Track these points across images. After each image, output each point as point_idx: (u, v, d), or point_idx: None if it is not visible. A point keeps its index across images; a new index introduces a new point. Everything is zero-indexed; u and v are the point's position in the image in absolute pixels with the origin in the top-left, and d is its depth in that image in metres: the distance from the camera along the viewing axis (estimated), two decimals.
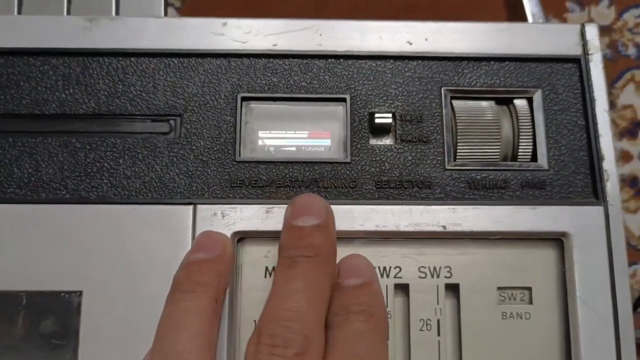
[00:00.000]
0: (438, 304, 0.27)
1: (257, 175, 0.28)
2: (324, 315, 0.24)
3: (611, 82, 0.42)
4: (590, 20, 0.43)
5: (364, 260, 0.26)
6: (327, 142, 0.29)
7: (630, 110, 0.42)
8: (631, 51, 0.43)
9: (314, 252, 0.24)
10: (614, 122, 0.41)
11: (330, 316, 0.24)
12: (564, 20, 0.43)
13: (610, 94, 0.42)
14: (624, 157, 0.42)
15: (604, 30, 0.43)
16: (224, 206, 0.27)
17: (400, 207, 0.27)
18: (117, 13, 0.30)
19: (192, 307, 0.23)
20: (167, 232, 0.26)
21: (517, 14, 0.34)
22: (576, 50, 0.30)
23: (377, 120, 0.28)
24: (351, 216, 0.27)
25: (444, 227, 0.27)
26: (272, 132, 0.29)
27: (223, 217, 0.27)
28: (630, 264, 0.41)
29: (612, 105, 0.42)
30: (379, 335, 0.24)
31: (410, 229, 0.27)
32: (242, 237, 0.27)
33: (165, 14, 0.30)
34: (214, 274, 0.24)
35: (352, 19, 0.30)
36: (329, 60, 0.29)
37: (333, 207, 0.27)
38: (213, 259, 0.25)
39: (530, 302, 0.27)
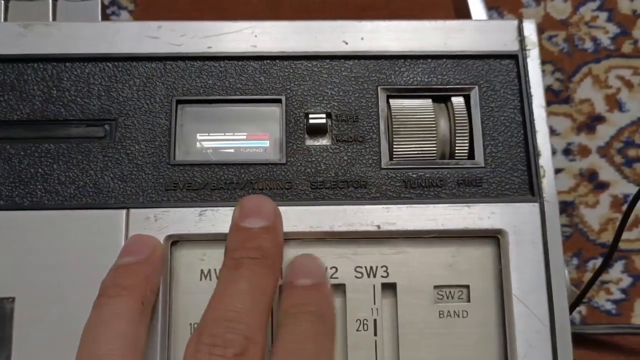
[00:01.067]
0: (375, 303, 0.27)
1: (192, 178, 0.27)
2: (267, 317, 0.24)
3: (568, 77, 0.42)
4: (547, 15, 0.43)
5: (315, 261, 0.26)
6: (266, 144, 0.29)
7: (588, 104, 0.42)
8: (588, 45, 0.42)
9: (260, 254, 0.24)
10: (571, 117, 0.41)
11: (279, 315, 0.24)
12: (519, 16, 0.43)
13: (567, 88, 0.42)
14: (582, 151, 0.42)
15: (561, 25, 0.43)
16: (157, 210, 0.27)
17: (334, 207, 0.27)
18: (54, 19, 0.30)
19: (116, 310, 0.23)
20: (100, 237, 0.26)
21: (464, 12, 0.34)
22: (513, 47, 0.29)
23: (311, 121, 0.28)
24: (285, 217, 0.27)
25: (378, 226, 0.27)
26: (210, 134, 0.29)
27: (156, 220, 0.27)
28: (590, 259, 0.41)
29: (569, 99, 0.42)
30: (327, 336, 0.24)
31: (344, 229, 0.27)
32: (176, 240, 0.27)
33: (104, 18, 0.30)
34: (141, 276, 0.24)
35: (306, 19, 0.30)
36: (265, 61, 0.29)
37: None
38: (140, 261, 0.25)
39: (468, 300, 0.27)
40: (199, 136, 0.29)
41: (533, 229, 0.27)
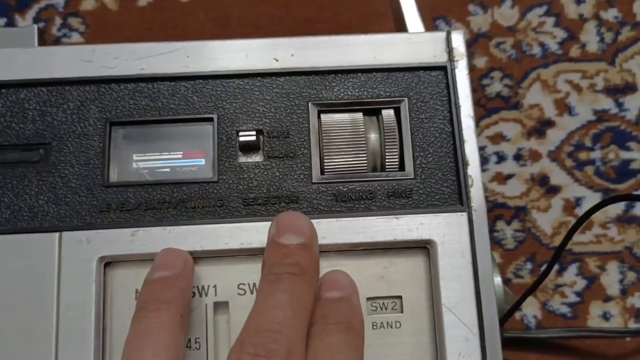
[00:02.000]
0: None
1: (126, 199, 0.28)
2: (306, 331, 0.24)
3: (517, 83, 0.43)
4: (494, 22, 0.43)
5: (345, 276, 0.27)
6: (202, 162, 0.29)
7: (537, 109, 0.42)
8: (536, 50, 0.43)
9: (299, 269, 0.25)
10: (520, 122, 0.42)
11: (309, 327, 0.25)
12: (467, 25, 0.43)
13: (516, 94, 0.42)
14: (532, 156, 0.42)
15: (508, 32, 0.43)
16: (89, 232, 0.27)
17: (265, 223, 0.27)
18: None
19: (158, 322, 0.24)
20: (33, 260, 0.27)
21: (401, 26, 0.34)
22: (442, 58, 0.30)
23: (241, 138, 0.28)
24: (216, 235, 0.27)
25: None
26: (147, 154, 0.29)
27: (88, 242, 0.27)
28: (543, 263, 0.41)
29: (518, 105, 0.42)
30: (356, 348, 0.24)
31: None
32: (109, 261, 0.27)
33: (40, 44, 0.31)
34: (177, 290, 0.25)
35: (255, 35, 0.30)
36: (197, 81, 0.29)
37: (198, 227, 0.27)
38: (175, 275, 0.25)
39: (401, 311, 0.27)
40: (135, 157, 0.29)
41: (461, 239, 0.27)
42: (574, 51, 0.43)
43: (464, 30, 0.30)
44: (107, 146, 0.28)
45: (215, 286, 0.27)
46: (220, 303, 0.27)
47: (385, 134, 0.29)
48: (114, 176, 0.28)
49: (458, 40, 0.30)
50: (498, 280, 0.29)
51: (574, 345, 0.41)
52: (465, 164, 0.28)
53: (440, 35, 0.30)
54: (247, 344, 0.23)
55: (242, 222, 0.27)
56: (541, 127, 0.42)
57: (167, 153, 0.29)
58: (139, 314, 0.25)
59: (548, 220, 0.41)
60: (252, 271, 0.27)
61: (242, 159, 0.29)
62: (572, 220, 0.41)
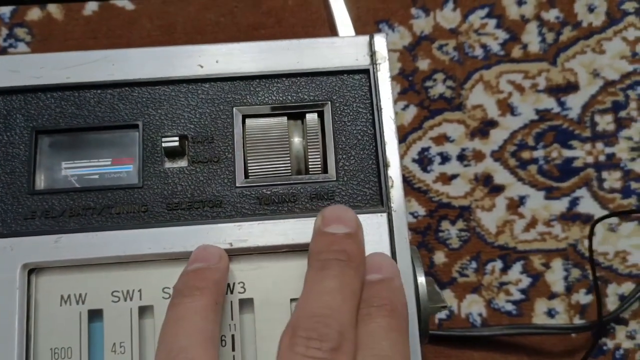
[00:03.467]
0: (232, 319, 0.28)
1: (51, 206, 0.28)
2: (355, 316, 0.24)
3: (460, 84, 0.43)
4: (437, 25, 0.44)
5: (386, 258, 0.27)
6: (130, 168, 0.30)
7: (480, 109, 0.42)
8: (478, 52, 0.43)
9: (346, 256, 0.25)
10: (464, 123, 0.42)
11: None
12: (409, 28, 0.44)
13: (459, 95, 0.43)
14: (476, 156, 0.42)
15: (450, 34, 0.44)
16: (13, 239, 0.27)
17: (187, 227, 0.28)
18: None
19: (192, 307, 0.25)
20: None
21: (336, 30, 0.35)
22: (365, 62, 0.30)
23: (164, 144, 0.29)
24: (139, 240, 0.27)
25: (230, 244, 0.28)
26: (75, 161, 0.30)
27: (12, 250, 0.27)
28: (488, 261, 0.41)
29: (461, 106, 0.43)
30: (401, 330, 0.25)
31: None
32: (33, 268, 0.27)
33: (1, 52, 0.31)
34: (211, 280, 0.26)
35: (200, 42, 0.31)
36: (123, 88, 0.30)
37: (122, 232, 0.27)
38: (210, 267, 0.26)
39: None
40: (64, 164, 0.29)
41: (381, 239, 0.28)
42: (516, 52, 0.44)
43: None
44: (32, 154, 0.29)
45: (140, 290, 0.28)
46: (146, 307, 0.27)
47: (309, 137, 0.29)
48: (40, 184, 0.29)
49: (380, 43, 0.30)
50: (422, 280, 0.29)
51: (519, 342, 0.41)
52: (386, 165, 0.29)
53: (363, 39, 0.31)
54: (300, 329, 0.23)
55: (166, 226, 0.28)
56: (484, 128, 0.42)
57: (96, 160, 0.30)
58: (174, 300, 0.25)
59: (492, 219, 0.42)
60: (176, 275, 0.28)
61: (168, 164, 0.29)
62: (516, 219, 0.42)
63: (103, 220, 0.28)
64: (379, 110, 0.29)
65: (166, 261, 0.28)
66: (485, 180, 0.42)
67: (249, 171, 0.29)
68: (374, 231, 0.28)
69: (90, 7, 0.43)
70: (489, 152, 0.42)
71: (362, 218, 0.28)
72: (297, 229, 0.28)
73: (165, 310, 0.27)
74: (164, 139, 0.29)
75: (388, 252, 0.28)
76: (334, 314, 0.23)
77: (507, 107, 0.43)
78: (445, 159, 0.42)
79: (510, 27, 0.44)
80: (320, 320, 0.23)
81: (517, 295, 0.41)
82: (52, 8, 0.42)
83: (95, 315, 0.27)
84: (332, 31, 0.37)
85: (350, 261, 0.25)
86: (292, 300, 0.28)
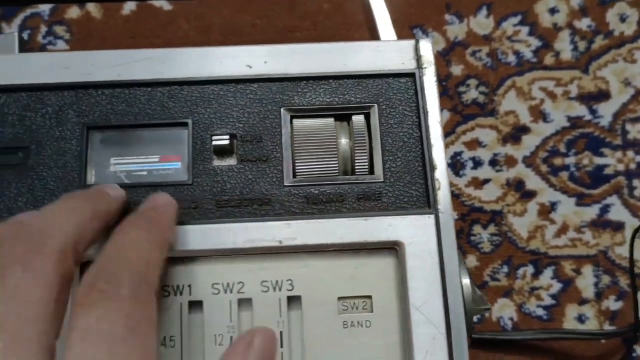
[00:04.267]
0: (280, 316, 0.28)
1: None
2: None
3: (493, 90, 0.44)
4: (470, 31, 0.44)
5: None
6: (178, 165, 0.30)
7: (513, 115, 0.43)
8: (511, 58, 0.44)
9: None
10: (496, 129, 0.43)
11: None
12: (443, 33, 0.44)
13: (492, 101, 0.43)
14: (508, 161, 0.43)
15: (484, 40, 0.44)
16: None
17: (237, 224, 0.28)
18: None
19: None
20: None
21: (376, 34, 0.35)
22: (411, 65, 0.31)
23: (214, 142, 0.29)
24: (190, 236, 0.28)
25: (280, 241, 0.28)
26: (124, 158, 0.30)
27: None
28: (520, 266, 0.42)
29: (494, 112, 0.43)
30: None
31: (248, 245, 0.28)
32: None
33: (21, 50, 0.32)
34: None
35: (236, 43, 0.31)
36: (172, 87, 0.30)
37: None
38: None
39: (371, 310, 0.28)
40: (113, 160, 0.30)
41: (428, 240, 0.28)
42: (548, 59, 0.44)
43: (432, 39, 0.31)
44: (84, 149, 0.29)
45: (189, 285, 0.28)
46: (195, 302, 0.28)
47: (356, 138, 0.30)
48: (91, 178, 0.29)
49: (426, 48, 0.31)
50: (467, 281, 0.29)
51: (550, 346, 0.41)
52: (433, 168, 0.29)
53: (409, 43, 0.31)
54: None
55: (216, 223, 0.28)
56: (516, 133, 0.43)
57: (144, 157, 0.30)
58: None
59: (524, 224, 0.42)
60: (225, 271, 0.28)
61: (216, 162, 0.29)
62: (548, 224, 0.42)
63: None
64: (425, 113, 0.30)
65: (215, 257, 0.28)
66: (517, 185, 0.42)
67: (297, 171, 0.29)
68: (422, 232, 0.28)
69: (129, 7, 0.43)
70: (521, 158, 0.42)
71: (410, 219, 0.28)
72: (345, 229, 0.28)
73: (214, 304, 0.28)
74: (214, 137, 0.29)
75: (435, 254, 0.28)
76: None
77: (539, 114, 0.43)
78: (477, 163, 0.43)
79: (543, 34, 0.45)
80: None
81: (548, 300, 0.41)
82: (91, 7, 0.43)
83: None
84: (371, 35, 0.37)
85: None
86: (339, 298, 0.28)
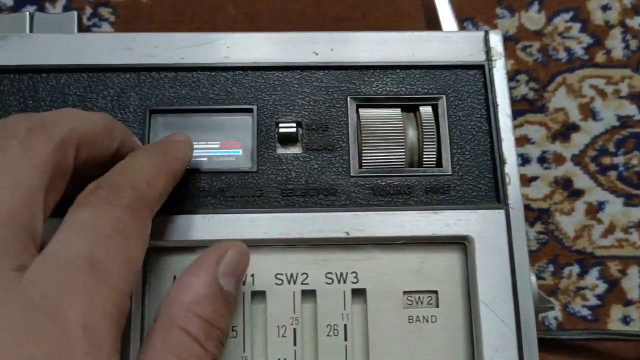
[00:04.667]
0: (345, 309, 0.27)
1: None
2: None
3: (543, 86, 0.43)
4: (521, 26, 0.43)
5: None
6: (239, 152, 0.29)
7: (562, 113, 0.42)
8: (562, 55, 0.43)
9: None
10: (546, 126, 0.42)
11: None
12: (494, 27, 0.44)
13: (542, 97, 0.43)
14: (557, 159, 0.42)
15: (535, 35, 0.44)
16: None
17: (304, 214, 0.27)
18: (30, 31, 0.30)
19: None
20: None
21: (435, 24, 0.35)
22: (480, 57, 0.30)
23: (281, 130, 0.28)
24: (255, 225, 0.27)
25: (347, 233, 0.27)
26: None
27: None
28: (565, 265, 0.41)
29: (544, 108, 0.43)
30: None
31: (314, 235, 0.27)
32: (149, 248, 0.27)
33: (80, 30, 0.31)
34: None
35: (284, 30, 0.31)
36: (236, 72, 0.30)
37: (238, 216, 0.27)
38: None
39: (437, 306, 0.28)
40: None
41: (498, 235, 0.27)
42: (600, 57, 0.43)
43: (501, 31, 0.30)
44: (146, 133, 0.29)
45: (252, 275, 0.27)
46: (258, 292, 0.27)
47: (424, 130, 0.29)
48: None
49: (496, 40, 0.30)
50: (533, 278, 0.29)
51: (594, 347, 0.41)
52: (503, 162, 0.28)
53: (478, 35, 0.30)
54: None
55: (281, 212, 0.28)
56: (566, 131, 0.42)
57: (205, 143, 0.29)
58: None
59: (571, 223, 0.41)
60: (289, 262, 0.28)
61: (281, 150, 0.29)
62: (595, 224, 0.42)
63: (217, 203, 0.28)
64: (495, 106, 0.29)
65: (279, 247, 0.28)
66: (565, 183, 0.41)
67: (363, 161, 0.29)
68: (492, 228, 0.28)
69: None
70: (570, 156, 0.42)
71: (479, 214, 0.28)
72: (413, 222, 0.28)
73: (277, 295, 0.27)
74: (280, 125, 0.29)
75: (505, 250, 0.27)
76: None
77: (589, 112, 0.43)
78: (525, 160, 0.42)
79: (595, 32, 0.44)
80: None
81: (593, 301, 0.41)
82: None
83: None
84: (428, 25, 0.37)
85: None
86: (404, 292, 0.28)
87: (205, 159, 0.29)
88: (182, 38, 0.30)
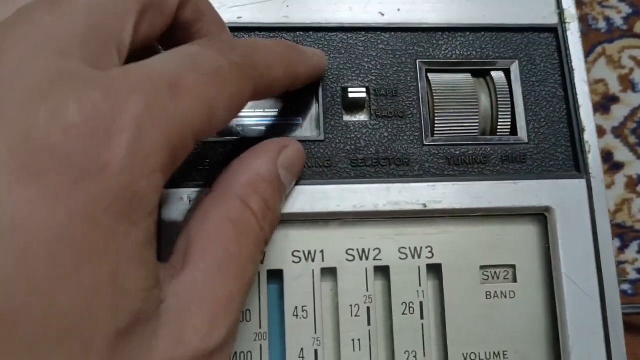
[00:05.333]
0: (420, 285, 0.26)
1: (220, 155, 0.26)
2: None
3: (584, 56, 0.42)
4: None
5: None
6: (299, 120, 0.27)
7: (602, 84, 0.41)
8: (601, 24, 0.42)
9: None
10: None
11: None
12: None
13: None
14: (597, 131, 0.41)
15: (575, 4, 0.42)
16: (189, 190, 0.25)
17: (377, 185, 0.26)
18: None
19: None
20: None
21: None
22: (552, 20, 0.29)
23: (350, 95, 0.26)
24: (326, 196, 0.25)
25: (424, 204, 0.26)
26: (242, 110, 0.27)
27: (189, 201, 0.25)
28: None
29: None
30: None
31: (390, 207, 0.26)
32: None
33: None
34: None
35: None
36: (297, 33, 0.27)
37: (307, 187, 0.25)
38: None
39: (514, 280, 0.26)
40: None
41: (580, 206, 0.26)
42: (638, 27, 0.43)
43: None
44: None
45: (322, 251, 0.26)
46: (328, 269, 0.25)
47: (498, 96, 0.27)
48: None
49: (568, 1, 0.29)
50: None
51: (633, 321, 0.40)
52: (582, 130, 0.27)
53: None
54: None
55: (353, 183, 0.26)
56: (606, 103, 0.41)
57: (262, 110, 0.27)
58: None
59: (611, 196, 0.41)
60: (360, 236, 0.26)
61: (347, 117, 0.27)
62: (634, 198, 0.41)
63: None
64: (570, 71, 0.28)
65: (350, 220, 0.26)
66: (605, 156, 0.41)
67: (435, 129, 0.27)
68: (573, 197, 0.26)
69: None
70: (610, 128, 0.41)
71: (560, 183, 0.26)
72: (492, 192, 0.26)
73: (348, 272, 0.25)
74: (350, 90, 0.27)
75: (588, 220, 0.26)
76: None
77: (628, 83, 0.42)
78: None
79: (634, 1, 0.43)
80: None
81: (633, 275, 0.40)
82: None
83: (274, 275, 0.25)
84: None
85: None
86: (481, 267, 0.26)
87: (263, 127, 0.27)
88: None
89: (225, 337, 0.18)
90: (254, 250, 0.20)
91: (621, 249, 0.41)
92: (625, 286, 0.40)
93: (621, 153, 0.41)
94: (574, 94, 0.28)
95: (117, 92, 0.16)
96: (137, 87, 0.16)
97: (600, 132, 0.41)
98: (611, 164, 0.41)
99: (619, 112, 0.42)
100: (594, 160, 0.27)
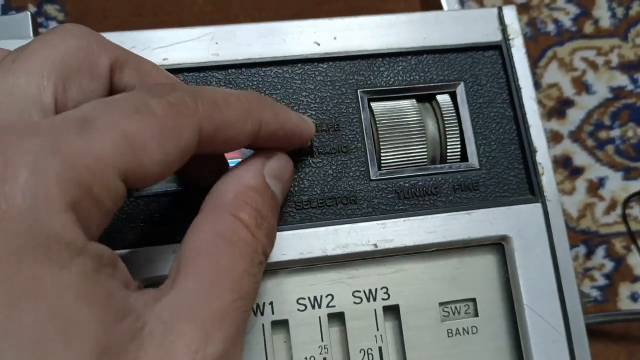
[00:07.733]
0: (378, 330, 0.24)
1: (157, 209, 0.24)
2: None
3: (534, 62, 0.41)
4: (509, 2, 0.41)
5: None
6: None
7: (556, 88, 0.41)
8: (550, 27, 0.41)
9: None
10: (540, 103, 0.40)
11: None
12: (481, 4, 0.41)
13: (534, 74, 0.41)
14: (554, 137, 0.41)
15: (522, 9, 0.42)
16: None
17: (324, 228, 0.24)
18: None
19: None
20: None
21: (430, 2, 0.32)
22: (496, 37, 0.27)
23: None
24: None
25: (375, 245, 0.24)
26: None
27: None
28: (572, 247, 0.40)
29: (537, 85, 0.41)
30: None
31: (339, 251, 0.24)
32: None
33: (36, 33, 0.26)
34: None
35: (259, 19, 0.27)
36: (229, 70, 0.26)
37: None
38: None
39: (476, 315, 0.25)
40: None
41: (537, 232, 0.25)
42: (588, 27, 0.42)
43: (515, 6, 0.28)
44: None
45: (271, 303, 0.24)
46: (279, 321, 0.24)
47: (445, 121, 0.26)
48: None
49: (511, 16, 0.28)
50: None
51: (604, 329, 0.40)
52: (534, 151, 0.26)
53: (491, 12, 0.28)
54: None
55: (298, 228, 0.24)
56: (561, 107, 0.40)
57: None
58: None
59: (574, 203, 0.40)
60: (310, 283, 0.24)
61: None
62: (597, 202, 0.40)
63: None
64: (518, 89, 0.27)
65: (297, 269, 0.24)
66: (564, 162, 0.40)
67: (382, 162, 0.26)
68: (529, 223, 0.25)
69: None
70: (567, 133, 0.40)
71: (515, 210, 0.25)
72: (446, 225, 0.25)
73: (300, 323, 0.24)
74: None
75: (547, 246, 0.25)
76: None
77: (582, 85, 0.41)
78: None
79: (581, 1, 0.42)
80: None
81: (602, 281, 0.40)
82: None
83: None
84: (422, 5, 0.34)
85: None
86: (440, 303, 0.25)
87: None
88: (162, 35, 0.26)
89: (223, 350, 0.17)
90: (250, 262, 0.19)
91: (588, 255, 0.40)
92: (595, 293, 0.40)
93: (580, 157, 0.41)
94: (523, 114, 0.26)
95: (15, 140, 0.15)
96: (42, 129, 0.16)
97: (558, 137, 0.40)
98: (571, 170, 0.40)
99: (575, 116, 0.41)
100: (548, 182, 0.26)
